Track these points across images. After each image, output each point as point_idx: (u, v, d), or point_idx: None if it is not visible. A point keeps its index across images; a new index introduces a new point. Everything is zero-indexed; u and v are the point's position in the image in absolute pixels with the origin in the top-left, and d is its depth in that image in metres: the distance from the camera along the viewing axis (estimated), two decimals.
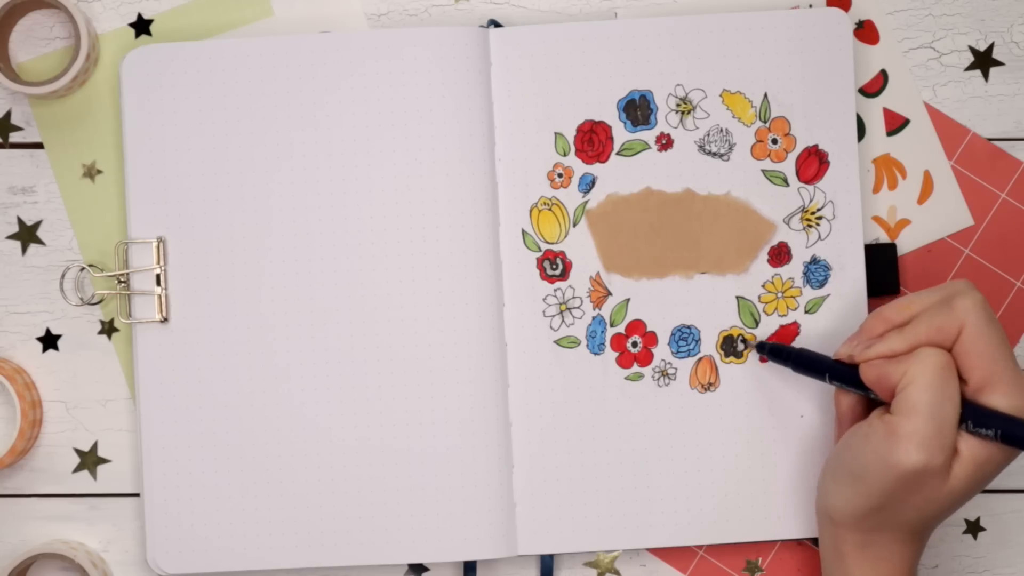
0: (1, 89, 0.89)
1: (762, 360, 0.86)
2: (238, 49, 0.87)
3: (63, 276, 0.87)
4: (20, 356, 0.89)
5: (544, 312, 0.87)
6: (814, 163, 0.87)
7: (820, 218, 0.87)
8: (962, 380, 0.75)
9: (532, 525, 0.86)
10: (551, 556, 0.87)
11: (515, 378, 0.86)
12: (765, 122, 0.87)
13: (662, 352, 0.87)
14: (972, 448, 0.74)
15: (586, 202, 0.87)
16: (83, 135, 0.89)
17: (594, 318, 0.87)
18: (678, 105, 0.87)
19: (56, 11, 0.89)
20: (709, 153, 0.87)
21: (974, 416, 0.74)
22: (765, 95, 0.87)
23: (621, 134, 0.87)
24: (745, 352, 0.86)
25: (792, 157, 0.87)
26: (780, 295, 0.87)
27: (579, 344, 0.87)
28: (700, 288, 0.87)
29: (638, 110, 0.87)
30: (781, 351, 0.84)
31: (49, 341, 0.88)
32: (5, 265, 0.89)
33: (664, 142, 0.87)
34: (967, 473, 0.74)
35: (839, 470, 0.78)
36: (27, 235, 0.89)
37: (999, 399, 0.74)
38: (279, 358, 0.86)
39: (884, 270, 0.87)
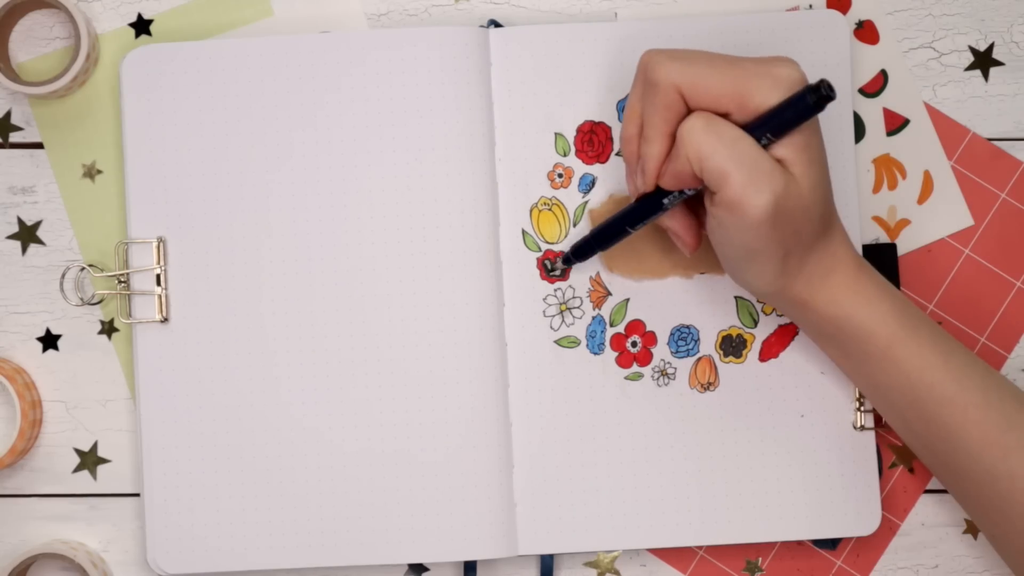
0: (1, 89, 0.89)
1: (566, 270, 0.86)
2: (238, 49, 0.87)
3: (63, 276, 0.87)
4: (20, 356, 0.89)
5: (544, 312, 0.87)
6: None
7: None
8: (726, 116, 0.74)
9: (532, 525, 0.86)
10: (551, 556, 0.87)
11: (515, 378, 0.86)
12: None
13: (661, 352, 0.87)
14: (787, 148, 0.73)
15: (586, 202, 0.87)
16: (83, 135, 0.89)
17: (594, 318, 0.87)
18: None
19: (56, 11, 0.89)
20: None
21: (760, 128, 0.73)
22: None
23: None
24: (558, 274, 0.86)
25: None
26: None
27: (579, 344, 0.87)
28: (699, 288, 0.87)
29: None
30: (580, 247, 0.84)
31: (49, 341, 0.88)
32: (5, 265, 0.89)
33: None
34: (804, 163, 0.74)
35: (732, 263, 0.78)
36: (27, 235, 0.89)
37: (763, 95, 0.73)
38: (279, 358, 0.86)
39: (884, 270, 0.86)
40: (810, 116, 0.72)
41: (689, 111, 0.75)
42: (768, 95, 0.73)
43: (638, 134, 0.78)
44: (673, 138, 0.75)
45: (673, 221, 0.80)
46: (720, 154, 0.72)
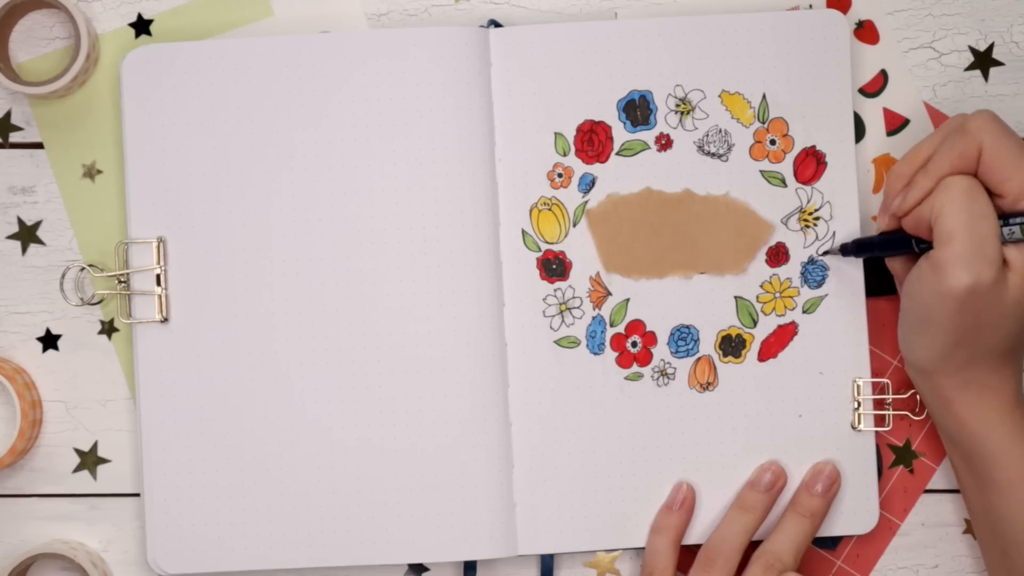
0: (1, 89, 0.89)
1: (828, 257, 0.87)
2: (238, 49, 0.87)
3: (63, 276, 0.87)
4: (20, 356, 0.89)
5: (544, 312, 0.87)
6: (812, 164, 0.87)
7: (818, 219, 0.87)
8: (998, 197, 0.76)
9: (532, 525, 0.86)
10: (551, 556, 0.87)
11: (515, 378, 0.86)
12: (763, 123, 0.87)
13: (661, 352, 0.87)
14: (1021, 253, 0.75)
15: (586, 202, 0.87)
16: (83, 135, 0.89)
17: (594, 318, 0.87)
18: (677, 105, 0.87)
19: (56, 11, 0.89)
20: (708, 153, 0.87)
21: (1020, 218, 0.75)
22: (764, 96, 0.87)
23: (621, 134, 0.87)
24: (830, 252, 0.87)
25: (790, 158, 0.87)
26: (778, 295, 0.87)
27: (579, 344, 0.87)
28: (699, 288, 0.87)
29: (638, 110, 0.87)
30: (863, 244, 0.85)
31: (49, 341, 0.88)
32: (5, 265, 0.89)
33: (663, 142, 0.87)
34: (1022, 278, 0.75)
35: (908, 322, 0.79)
36: (27, 235, 0.89)
37: None
38: (279, 358, 0.86)
39: (883, 270, 0.86)
40: None
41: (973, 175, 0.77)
42: None
43: (912, 174, 0.79)
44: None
45: (900, 270, 0.83)
46: (959, 217, 0.74)
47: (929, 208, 0.76)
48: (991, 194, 0.77)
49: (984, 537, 0.83)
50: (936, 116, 0.89)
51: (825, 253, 0.86)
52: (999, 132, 0.76)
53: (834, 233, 0.87)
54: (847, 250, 0.86)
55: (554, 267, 0.87)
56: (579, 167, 0.87)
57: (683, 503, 0.85)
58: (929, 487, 0.89)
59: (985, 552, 0.83)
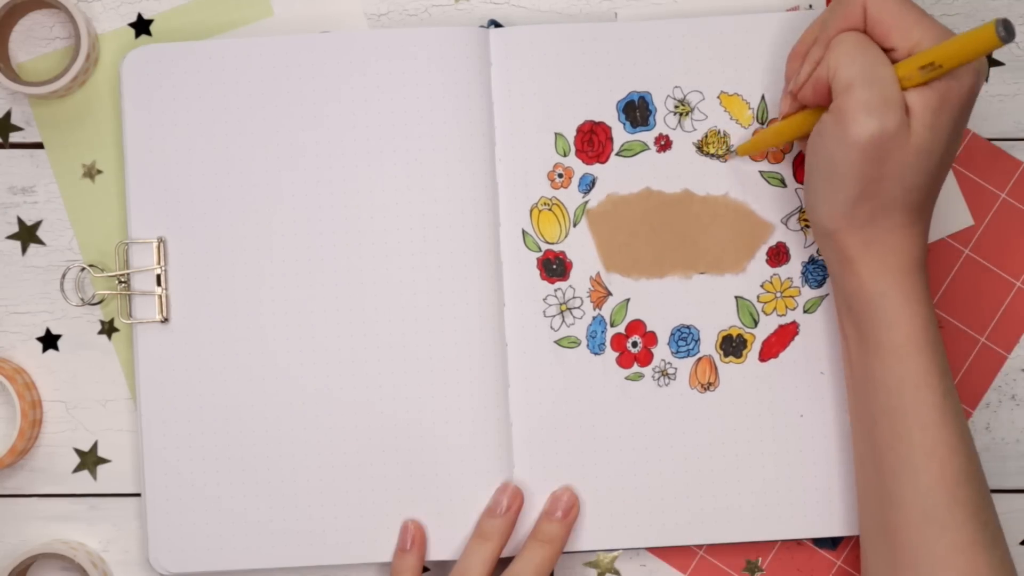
0: (1, 89, 0.89)
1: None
2: (238, 49, 0.87)
3: (63, 276, 0.87)
4: (20, 356, 0.89)
5: (544, 312, 0.87)
6: None
7: None
8: (889, 51, 0.75)
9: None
10: None
11: (515, 378, 0.86)
12: (762, 123, 0.87)
13: (662, 352, 0.87)
14: (922, 96, 0.74)
15: (586, 202, 0.87)
16: (83, 135, 0.89)
17: (594, 318, 0.87)
18: (676, 107, 0.87)
19: (56, 11, 0.89)
20: (707, 154, 0.87)
21: (927, 56, 0.73)
22: (762, 97, 0.87)
23: (621, 135, 0.87)
24: None
25: (789, 158, 0.87)
26: (779, 295, 0.87)
27: (579, 344, 0.87)
28: (699, 288, 0.87)
29: (637, 111, 0.87)
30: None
31: (49, 341, 0.88)
32: (5, 265, 0.89)
33: (663, 143, 0.87)
34: (927, 122, 0.74)
35: (812, 177, 0.78)
36: (27, 235, 0.89)
37: (924, 48, 0.74)
38: (279, 358, 0.86)
39: None
40: (990, 50, 0.70)
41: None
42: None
43: (805, 53, 0.79)
44: None
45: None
46: (856, 66, 0.74)
47: (825, 70, 0.76)
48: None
49: (858, 413, 0.82)
50: None
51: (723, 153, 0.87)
52: None
53: None
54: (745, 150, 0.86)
55: (554, 267, 0.87)
56: (579, 167, 0.87)
57: (414, 541, 0.85)
58: None
59: (856, 431, 0.82)
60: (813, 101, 0.79)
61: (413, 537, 0.84)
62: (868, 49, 0.75)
